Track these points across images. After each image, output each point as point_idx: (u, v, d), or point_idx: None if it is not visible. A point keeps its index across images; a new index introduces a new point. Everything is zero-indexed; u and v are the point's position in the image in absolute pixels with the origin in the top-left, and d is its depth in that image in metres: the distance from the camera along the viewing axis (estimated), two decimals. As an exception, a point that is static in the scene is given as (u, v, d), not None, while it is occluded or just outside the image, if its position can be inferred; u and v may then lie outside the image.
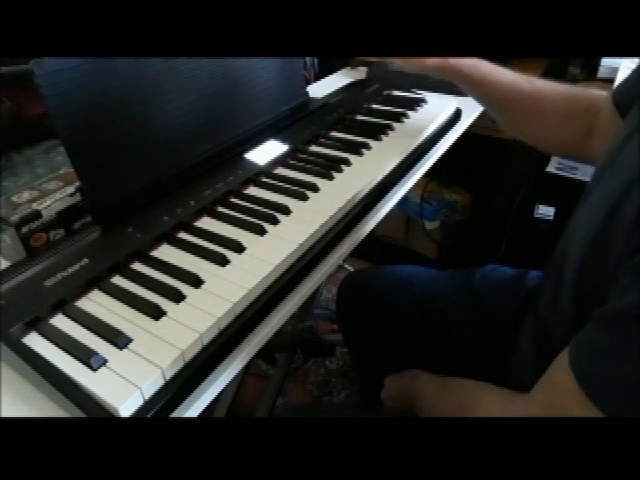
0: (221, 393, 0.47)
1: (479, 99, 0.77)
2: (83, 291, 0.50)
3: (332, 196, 0.65)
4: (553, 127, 0.66)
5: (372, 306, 0.78)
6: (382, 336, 0.77)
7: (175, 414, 0.42)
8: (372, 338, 0.79)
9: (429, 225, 1.51)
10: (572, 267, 0.45)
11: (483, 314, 0.68)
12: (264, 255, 0.54)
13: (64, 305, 0.48)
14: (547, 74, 1.17)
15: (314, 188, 0.67)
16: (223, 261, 0.53)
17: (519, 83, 0.69)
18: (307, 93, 0.93)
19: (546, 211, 1.08)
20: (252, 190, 0.68)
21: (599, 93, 0.65)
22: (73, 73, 0.56)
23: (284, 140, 0.79)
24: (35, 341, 0.45)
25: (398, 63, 0.76)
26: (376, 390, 0.77)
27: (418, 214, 1.49)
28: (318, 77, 1.25)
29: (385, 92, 1.01)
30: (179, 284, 0.50)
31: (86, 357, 0.42)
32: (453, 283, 0.74)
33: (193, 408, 0.43)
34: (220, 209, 0.64)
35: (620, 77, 1.00)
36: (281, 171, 0.73)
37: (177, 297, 0.48)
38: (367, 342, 0.82)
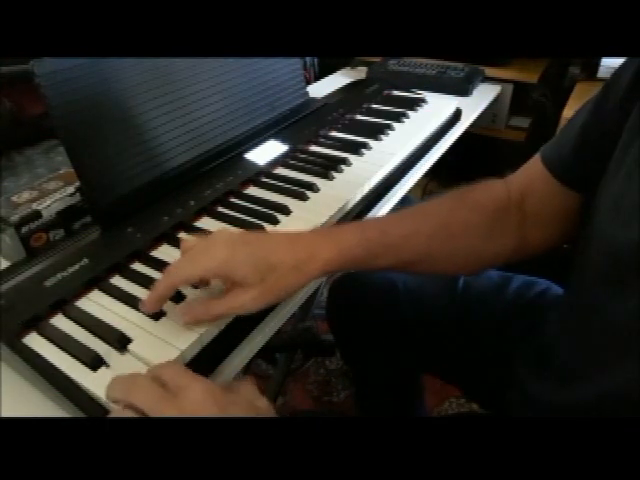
0: (221, 393, 0.47)
1: (391, 269, 0.58)
2: (83, 291, 0.50)
3: (332, 196, 0.65)
4: (481, 245, 0.54)
5: (361, 311, 0.76)
6: (372, 340, 0.75)
7: (175, 414, 0.41)
8: (362, 342, 0.78)
9: (429, 225, 1.51)
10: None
11: (468, 323, 0.66)
12: (264, 255, 0.54)
13: (64, 305, 0.48)
14: (547, 74, 1.17)
15: (314, 188, 0.67)
16: (223, 261, 0.53)
17: (418, 228, 0.53)
18: (307, 93, 0.93)
19: (546, 211, 1.08)
20: (252, 190, 0.68)
21: (505, 188, 0.56)
22: (73, 73, 0.56)
23: (284, 140, 0.79)
24: (35, 341, 0.45)
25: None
26: (370, 392, 0.76)
27: (418, 214, 1.48)
28: (318, 77, 1.25)
29: (385, 92, 1.01)
30: (179, 284, 0.50)
31: (86, 357, 0.42)
32: (437, 289, 0.70)
33: (193, 408, 0.43)
34: (220, 209, 0.64)
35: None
36: (281, 171, 0.73)
37: (177, 297, 0.48)
38: (358, 346, 0.80)
